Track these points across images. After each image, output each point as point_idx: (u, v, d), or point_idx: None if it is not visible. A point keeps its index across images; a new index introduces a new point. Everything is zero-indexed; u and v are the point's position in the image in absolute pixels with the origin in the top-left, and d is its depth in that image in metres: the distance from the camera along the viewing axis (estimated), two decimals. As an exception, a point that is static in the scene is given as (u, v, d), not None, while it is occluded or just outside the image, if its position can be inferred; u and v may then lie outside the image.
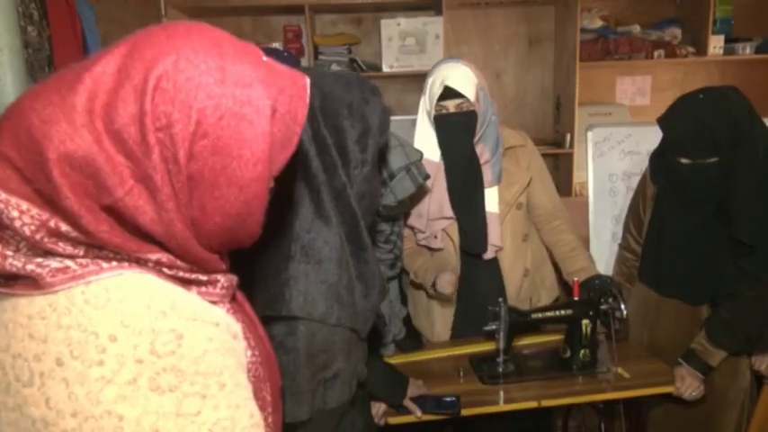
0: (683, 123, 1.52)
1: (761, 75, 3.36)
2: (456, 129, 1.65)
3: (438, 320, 1.81)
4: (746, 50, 3.17)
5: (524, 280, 1.80)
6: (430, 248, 1.77)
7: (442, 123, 1.65)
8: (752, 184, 1.48)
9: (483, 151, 1.69)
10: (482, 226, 1.71)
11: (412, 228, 1.77)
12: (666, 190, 1.68)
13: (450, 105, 1.62)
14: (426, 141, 1.70)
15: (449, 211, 1.70)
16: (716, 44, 3.12)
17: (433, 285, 1.65)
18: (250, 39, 3.20)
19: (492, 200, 1.72)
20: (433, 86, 1.65)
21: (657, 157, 1.70)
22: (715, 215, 1.56)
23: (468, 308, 1.77)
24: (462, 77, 1.62)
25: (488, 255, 1.73)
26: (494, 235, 1.71)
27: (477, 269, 1.76)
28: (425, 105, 1.70)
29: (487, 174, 1.70)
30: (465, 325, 1.79)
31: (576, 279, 1.68)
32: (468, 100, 1.61)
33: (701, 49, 3.16)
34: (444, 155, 1.70)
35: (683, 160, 1.55)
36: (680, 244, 1.66)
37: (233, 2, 2.94)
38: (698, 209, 1.59)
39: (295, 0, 3.00)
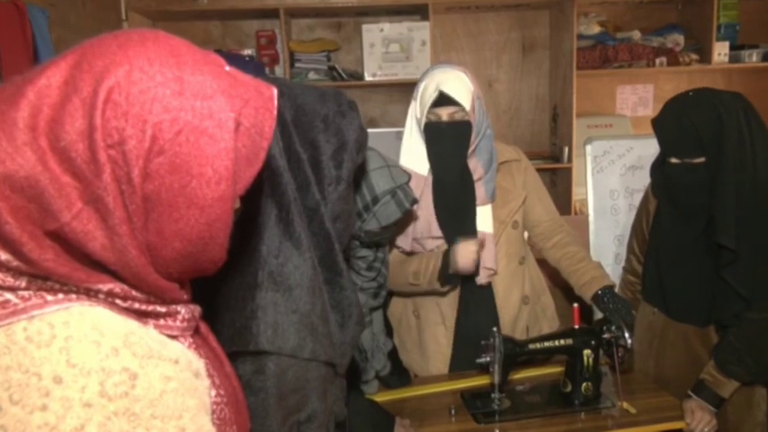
0: (669, 119, 1.60)
1: (769, 83, 3.45)
2: (448, 140, 1.65)
3: (433, 356, 1.79)
4: (753, 58, 3.25)
5: (523, 308, 1.80)
6: None
7: (434, 133, 1.66)
8: (737, 186, 1.53)
9: (476, 167, 1.69)
10: None
11: (397, 247, 1.77)
12: (665, 202, 1.71)
13: (444, 113, 1.63)
14: (414, 152, 1.71)
15: (437, 231, 1.70)
16: (721, 51, 3.21)
17: (444, 270, 1.61)
18: (219, 45, 3.23)
19: (485, 219, 1.72)
20: (426, 91, 1.64)
21: (657, 168, 1.74)
22: (709, 227, 1.60)
23: (466, 339, 1.75)
24: (459, 84, 1.62)
25: (482, 279, 1.73)
26: (487, 257, 1.70)
27: (473, 295, 1.76)
28: (415, 112, 1.71)
29: (480, 191, 1.70)
30: (463, 359, 1.76)
31: (575, 306, 1.68)
32: (463, 109, 1.62)
33: (705, 56, 3.24)
34: (434, 168, 1.70)
35: (673, 160, 1.62)
36: (677, 260, 1.69)
37: (201, 5, 2.95)
38: (691, 220, 1.64)
39: (269, 3, 3.02)
